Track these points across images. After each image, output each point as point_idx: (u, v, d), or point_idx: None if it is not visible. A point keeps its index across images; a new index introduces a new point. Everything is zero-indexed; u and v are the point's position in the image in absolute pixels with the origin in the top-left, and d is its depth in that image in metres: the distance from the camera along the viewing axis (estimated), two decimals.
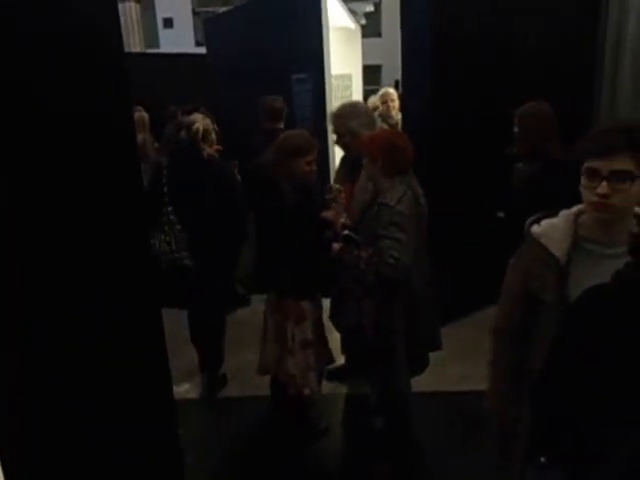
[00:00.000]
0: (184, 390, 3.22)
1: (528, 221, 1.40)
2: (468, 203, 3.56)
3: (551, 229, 1.34)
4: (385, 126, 3.93)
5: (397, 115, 4.57)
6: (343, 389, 3.16)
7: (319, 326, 2.66)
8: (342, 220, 2.40)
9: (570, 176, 1.32)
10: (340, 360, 2.92)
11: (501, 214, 2.88)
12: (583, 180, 1.23)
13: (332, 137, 3.01)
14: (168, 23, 18.01)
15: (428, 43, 3.29)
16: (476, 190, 3.57)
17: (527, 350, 1.37)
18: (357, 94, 6.16)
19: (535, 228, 1.37)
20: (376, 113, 4.44)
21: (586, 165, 1.22)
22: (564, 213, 1.36)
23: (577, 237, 1.29)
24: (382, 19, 10.42)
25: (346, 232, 2.27)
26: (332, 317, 2.57)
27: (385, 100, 4.64)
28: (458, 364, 3.31)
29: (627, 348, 0.97)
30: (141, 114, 4.83)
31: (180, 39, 15.78)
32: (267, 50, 4.77)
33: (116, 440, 1.64)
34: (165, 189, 2.94)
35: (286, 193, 2.39)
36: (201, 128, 2.99)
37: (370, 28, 9.50)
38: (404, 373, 2.33)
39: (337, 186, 2.52)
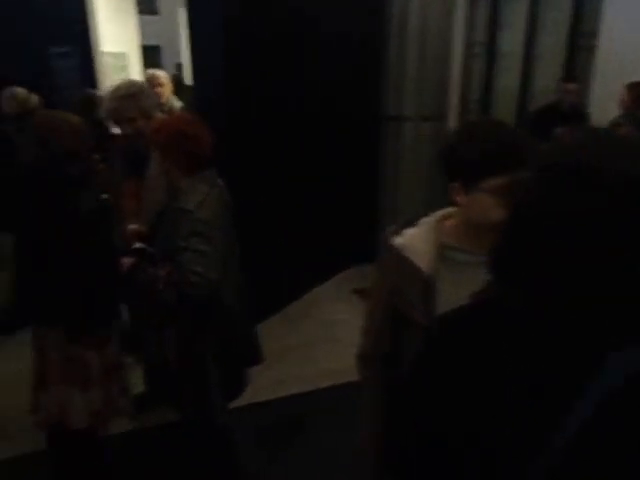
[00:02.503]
0: None
1: (387, 232, 1.23)
2: (271, 193, 3.36)
3: (413, 239, 1.18)
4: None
5: (171, 101, 4.01)
6: (150, 419, 2.72)
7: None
8: (133, 227, 1.94)
9: None
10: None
11: None
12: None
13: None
14: None
15: (219, 23, 2.95)
16: (278, 177, 3.40)
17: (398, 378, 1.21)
18: (136, 77, 5.50)
19: (397, 240, 1.20)
20: None
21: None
22: (425, 221, 1.21)
23: (441, 246, 1.16)
24: None
25: (138, 244, 1.83)
26: (128, 348, 2.11)
27: (153, 84, 3.85)
28: (271, 368, 3.13)
29: (488, 386, 0.80)
30: None
31: None
32: (14, 15, 3.82)
33: None
34: None
35: (82, 196, 1.86)
36: None
37: (144, 4, 8.64)
38: (219, 402, 2.01)
39: None
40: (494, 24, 5.61)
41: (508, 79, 5.44)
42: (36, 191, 1.97)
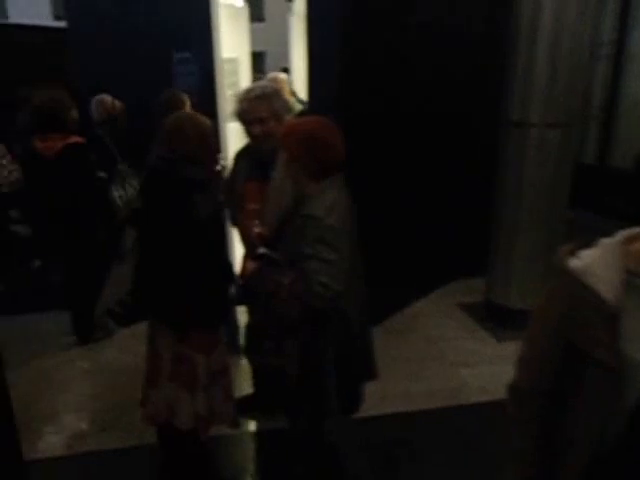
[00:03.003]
0: (45, 446, 2.55)
1: (561, 253, 1.07)
2: (381, 202, 3.26)
3: (594, 263, 1.02)
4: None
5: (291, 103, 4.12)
6: (252, 425, 2.70)
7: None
8: (258, 230, 1.91)
9: None
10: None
11: None
12: None
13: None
14: None
15: (337, 25, 2.91)
16: (390, 185, 3.31)
17: (563, 419, 1.06)
18: (245, 82, 5.64)
19: (575, 262, 1.04)
20: None
21: None
22: (606, 242, 1.04)
23: (628, 273, 0.99)
24: (265, 2, 9.89)
25: (263, 250, 1.79)
26: (246, 352, 2.09)
27: None
28: (376, 382, 3.00)
29: None
30: None
31: (33, 9, 13.67)
32: (143, 22, 4.04)
33: None
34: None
35: (200, 199, 1.87)
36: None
37: (252, 12, 8.93)
38: (334, 414, 1.93)
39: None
40: (624, 23, 5.15)
41: (639, 83, 4.98)
42: (156, 192, 1.99)
